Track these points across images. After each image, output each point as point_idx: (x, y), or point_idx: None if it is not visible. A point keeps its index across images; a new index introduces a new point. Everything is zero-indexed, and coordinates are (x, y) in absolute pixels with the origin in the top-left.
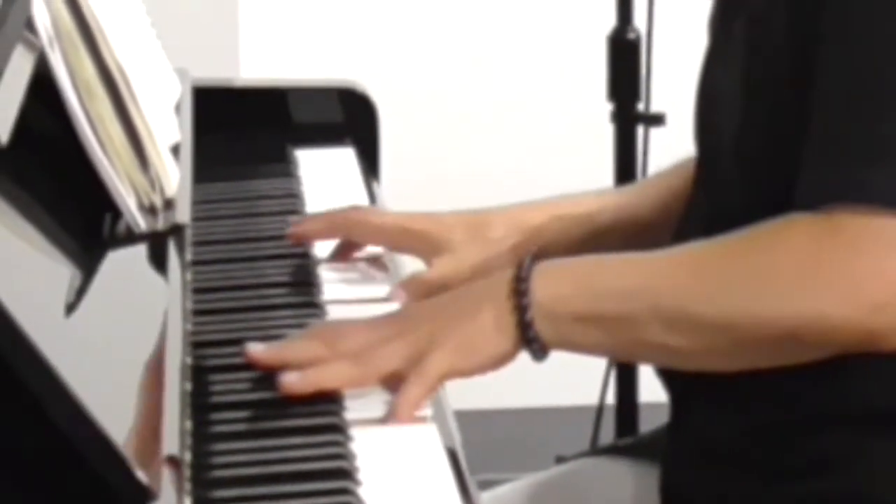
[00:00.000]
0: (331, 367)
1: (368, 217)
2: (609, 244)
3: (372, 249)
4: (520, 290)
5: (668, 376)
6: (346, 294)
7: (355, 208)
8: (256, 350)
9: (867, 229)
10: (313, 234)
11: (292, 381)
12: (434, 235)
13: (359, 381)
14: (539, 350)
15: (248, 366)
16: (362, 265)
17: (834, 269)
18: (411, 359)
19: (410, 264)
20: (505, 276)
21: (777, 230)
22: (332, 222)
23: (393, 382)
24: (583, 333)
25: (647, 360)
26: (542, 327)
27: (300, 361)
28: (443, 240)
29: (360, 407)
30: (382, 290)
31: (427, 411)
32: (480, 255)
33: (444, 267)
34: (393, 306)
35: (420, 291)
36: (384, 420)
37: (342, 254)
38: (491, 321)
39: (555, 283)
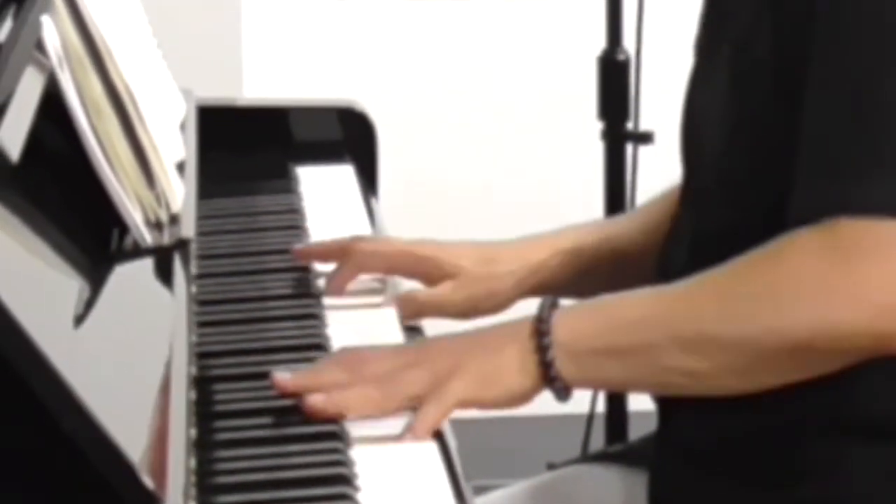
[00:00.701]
0: (354, 391)
1: (375, 244)
2: (607, 274)
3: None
4: (541, 331)
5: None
6: (344, 301)
7: (360, 237)
8: (283, 378)
9: (868, 237)
10: (318, 255)
11: (316, 403)
12: (442, 262)
13: (381, 405)
14: (562, 390)
15: (251, 376)
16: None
17: (840, 277)
18: (433, 385)
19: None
20: (527, 318)
21: (782, 247)
22: (339, 248)
23: (413, 407)
24: (604, 368)
25: (668, 387)
26: (563, 366)
27: (325, 387)
28: (450, 265)
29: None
30: (379, 298)
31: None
32: (482, 287)
33: (442, 290)
34: (389, 310)
35: (412, 309)
36: (398, 438)
37: (341, 282)
38: (513, 360)
39: (574, 322)
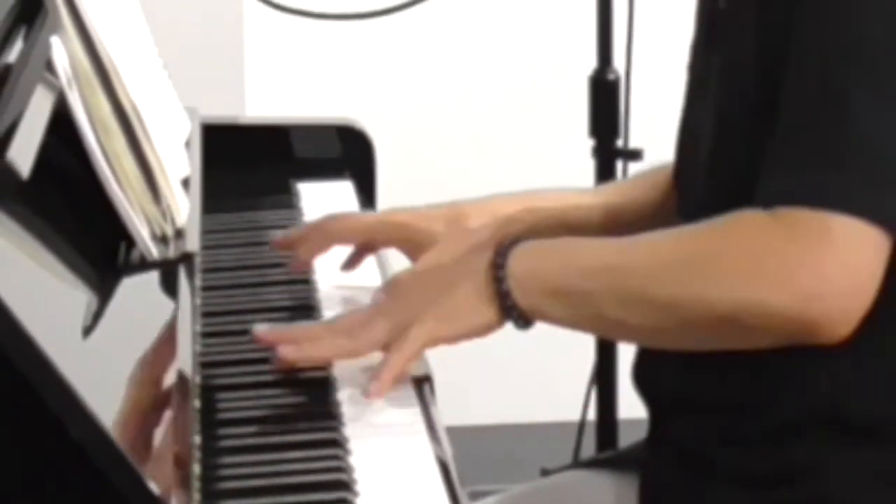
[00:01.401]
0: (325, 341)
1: (349, 217)
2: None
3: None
4: (497, 264)
5: (647, 392)
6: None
7: (332, 215)
8: (260, 329)
9: (809, 227)
10: (296, 241)
11: (287, 352)
12: (417, 226)
13: (349, 353)
14: (520, 318)
15: (254, 385)
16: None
17: (775, 260)
18: (395, 331)
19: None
20: (485, 254)
21: (728, 222)
22: (314, 228)
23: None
24: (553, 306)
25: (607, 334)
26: (518, 298)
27: (299, 339)
28: (425, 230)
29: (359, 423)
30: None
31: (420, 426)
32: (461, 246)
33: (431, 257)
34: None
35: None
36: (367, 393)
37: (314, 251)
38: (471, 292)
39: (530, 260)
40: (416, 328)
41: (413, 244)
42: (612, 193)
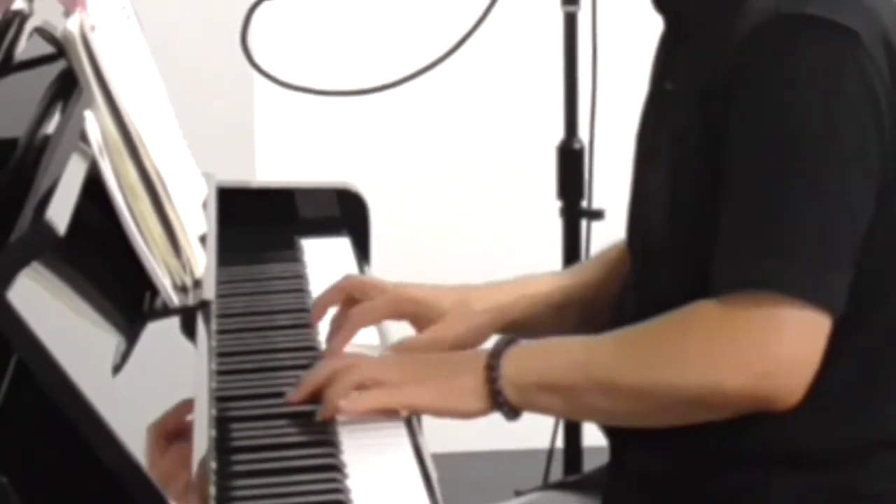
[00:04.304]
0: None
1: (368, 304)
2: (564, 316)
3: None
4: (492, 365)
5: (607, 425)
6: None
7: (352, 278)
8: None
9: (756, 312)
10: (326, 304)
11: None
12: (427, 302)
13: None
14: (510, 412)
15: (263, 417)
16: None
17: (728, 344)
18: (398, 383)
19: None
20: (483, 352)
21: (685, 315)
22: (339, 288)
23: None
24: (540, 399)
25: (591, 419)
26: (509, 394)
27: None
28: (434, 307)
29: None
30: (375, 343)
31: (408, 452)
32: (463, 326)
33: (435, 333)
34: None
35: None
36: (336, 406)
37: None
38: (468, 384)
39: (520, 360)
40: (414, 388)
41: (421, 317)
42: (585, 273)
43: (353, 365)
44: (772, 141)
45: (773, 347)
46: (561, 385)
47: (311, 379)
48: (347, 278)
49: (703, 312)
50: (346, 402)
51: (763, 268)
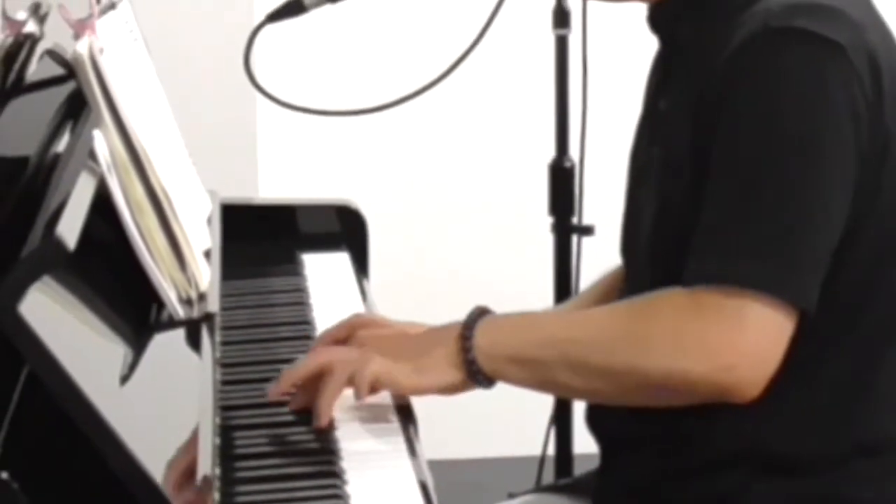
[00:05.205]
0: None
1: (378, 319)
2: None
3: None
4: (465, 335)
5: (598, 432)
6: None
7: (360, 319)
8: (271, 390)
9: (724, 305)
10: (334, 340)
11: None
12: None
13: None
14: (484, 380)
15: (265, 425)
16: None
17: (693, 334)
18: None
19: None
20: (457, 324)
21: (655, 301)
22: (348, 325)
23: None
24: (512, 371)
25: (561, 394)
26: (483, 363)
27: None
28: None
29: (354, 456)
30: None
31: (404, 457)
32: None
33: None
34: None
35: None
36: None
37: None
38: (443, 355)
39: (494, 332)
40: (393, 365)
41: None
42: (583, 303)
43: (332, 367)
44: (755, 143)
45: (737, 341)
46: (532, 360)
47: (290, 374)
48: (356, 316)
49: (674, 300)
50: (328, 399)
51: (735, 264)
